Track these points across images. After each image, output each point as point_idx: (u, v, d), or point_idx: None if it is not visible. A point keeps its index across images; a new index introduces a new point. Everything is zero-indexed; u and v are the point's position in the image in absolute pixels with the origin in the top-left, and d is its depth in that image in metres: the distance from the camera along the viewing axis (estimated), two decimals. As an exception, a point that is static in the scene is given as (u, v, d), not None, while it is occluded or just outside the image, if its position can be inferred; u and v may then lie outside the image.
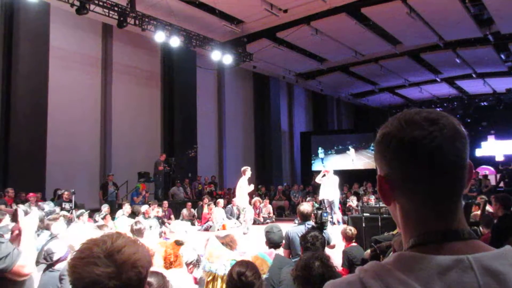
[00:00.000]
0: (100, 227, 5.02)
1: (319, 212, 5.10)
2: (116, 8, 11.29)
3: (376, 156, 0.88)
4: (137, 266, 1.07)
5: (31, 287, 2.31)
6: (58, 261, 3.84)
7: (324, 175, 10.88)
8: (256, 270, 2.54)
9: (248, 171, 10.32)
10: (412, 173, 0.81)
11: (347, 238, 5.28)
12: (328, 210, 10.55)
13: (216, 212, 11.89)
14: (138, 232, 4.62)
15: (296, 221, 6.70)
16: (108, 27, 13.86)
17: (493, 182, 17.04)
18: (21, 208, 2.22)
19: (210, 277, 3.11)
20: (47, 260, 3.93)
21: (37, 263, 4.47)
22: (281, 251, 4.30)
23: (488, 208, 6.26)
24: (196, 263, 4.17)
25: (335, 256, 5.52)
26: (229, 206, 12.66)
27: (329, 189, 10.60)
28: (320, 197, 11.05)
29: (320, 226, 4.34)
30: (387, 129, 0.86)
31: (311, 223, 4.86)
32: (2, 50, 11.23)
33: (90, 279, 1.02)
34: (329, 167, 11.29)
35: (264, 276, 3.13)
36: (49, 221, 6.55)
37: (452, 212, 0.82)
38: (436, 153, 0.79)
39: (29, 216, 2.28)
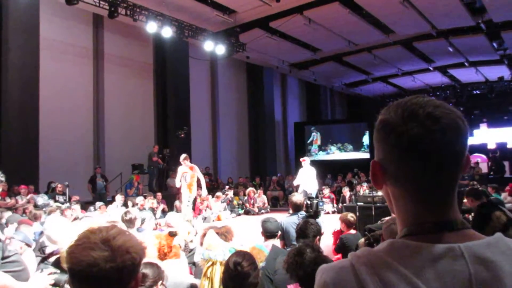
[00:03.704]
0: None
1: (315, 201, 5.14)
2: (106, -2, 11.17)
3: (374, 140, 0.87)
4: (131, 252, 1.14)
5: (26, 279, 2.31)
6: (51, 254, 3.83)
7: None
8: (253, 261, 2.56)
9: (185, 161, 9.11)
10: (408, 168, 0.81)
11: (348, 224, 5.24)
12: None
13: (213, 203, 12.03)
14: (129, 222, 4.57)
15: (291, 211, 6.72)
16: (99, 17, 13.69)
17: (485, 170, 17.26)
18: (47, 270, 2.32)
19: (209, 263, 3.15)
20: (40, 253, 3.93)
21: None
22: (277, 242, 4.33)
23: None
24: (185, 249, 4.20)
25: (323, 243, 5.56)
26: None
27: (307, 181, 9.69)
28: (300, 190, 10.08)
29: (314, 215, 4.37)
30: (388, 117, 0.84)
31: (303, 213, 4.90)
32: (-9, 42, 11.09)
33: (88, 262, 1.09)
34: (305, 157, 10.55)
35: (261, 265, 3.16)
36: (44, 213, 6.56)
37: (445, 203, 0.82)
38: (435, 153, 0.79)
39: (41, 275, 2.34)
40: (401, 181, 0.83)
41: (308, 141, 21.09)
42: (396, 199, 0.86)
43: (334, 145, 20.67)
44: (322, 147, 20.84)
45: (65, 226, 3.72)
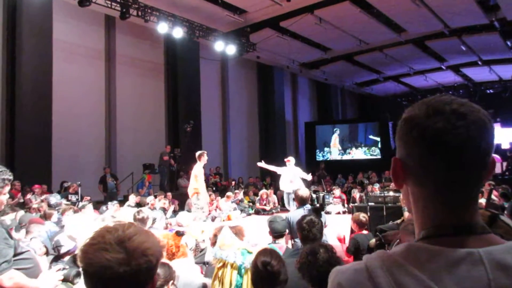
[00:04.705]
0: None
1: (322, 194, 5.19)
2: (118, 0, 11.25)
3: (397, 136, 0.85)
4: (147, 254, 1.09)
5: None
6: (66, 253, 3.89)
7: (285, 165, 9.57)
8: (280, 258, 2.47)
9: (204, 157, 8.70)
10: (429, 165, 0.78)
11: (360, 224, 5.21)
12: (286, 204, 9.37)
13: (223, 202, 12.06)
14: (141, 221, 4.62)
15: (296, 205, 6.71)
16: (111, 19, 13.82)
17: (498, 170, 16.99)
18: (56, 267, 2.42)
19: (220, 264, 3.16)
20: (55, 252, 3.98)
21: (47, 254, 4.56)
22: (284, 241, 4.34)
23: (493, 196, 6.24)
24: (196, 248, 4.23)
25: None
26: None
27: (289, 181, 9.18)
28: (281, 189, 9.87)
29: (320, 208, 4.39)
30: (413, 113, 0.82)
31: (308, 206, 4.97)
32: (5, 44, 11.25)
33: (101, 264, 1.04)
34: (289, 156, 9.88)
35: None
36: (58, 212, 6.63)
37: (466, 206, 0.79)
38: (458, 150, 0.76)
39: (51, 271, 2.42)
40: (422, 180, 0.81)
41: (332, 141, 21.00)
42: (416, 200, 0.83)
43: (360, 148, 20.48)
44: (346, 150, 20.68)
45: (86, 223, 3.78)
